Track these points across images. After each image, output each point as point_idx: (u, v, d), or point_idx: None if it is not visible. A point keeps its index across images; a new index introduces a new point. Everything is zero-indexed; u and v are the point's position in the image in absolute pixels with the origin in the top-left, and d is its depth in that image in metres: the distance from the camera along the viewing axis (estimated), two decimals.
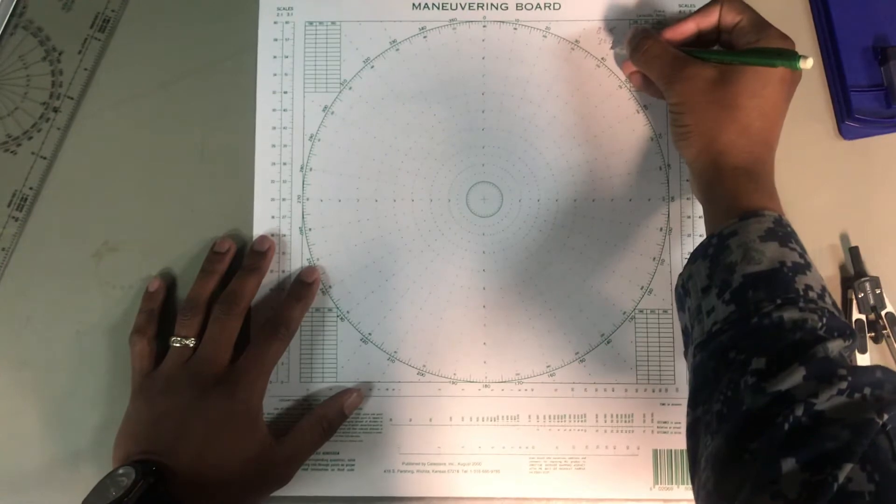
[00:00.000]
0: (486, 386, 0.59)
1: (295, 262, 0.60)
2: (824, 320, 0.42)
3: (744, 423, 0.40)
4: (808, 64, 0.51)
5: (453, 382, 0.59)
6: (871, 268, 0.59)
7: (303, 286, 0.59)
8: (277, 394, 0.59)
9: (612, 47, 0.62)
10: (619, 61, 0.61)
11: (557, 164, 0.61)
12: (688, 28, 0.57)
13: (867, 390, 0.39)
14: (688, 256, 0.59)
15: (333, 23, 0.62)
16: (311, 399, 0.59)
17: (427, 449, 0.59)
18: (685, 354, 0.49)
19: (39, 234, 0.61)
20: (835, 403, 0.39)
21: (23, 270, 0.61)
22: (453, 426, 0.59)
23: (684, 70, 0.53)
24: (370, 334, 0.60)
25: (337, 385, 0.59)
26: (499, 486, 0.58)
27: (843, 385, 0.39)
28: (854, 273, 0.59)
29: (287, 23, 0.62)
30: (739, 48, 0.54)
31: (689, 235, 0.60)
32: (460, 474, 0.58)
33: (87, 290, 0.60)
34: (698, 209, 0.60)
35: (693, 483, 0.44)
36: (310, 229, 0.60)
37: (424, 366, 0.59)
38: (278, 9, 0.62)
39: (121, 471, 0.49)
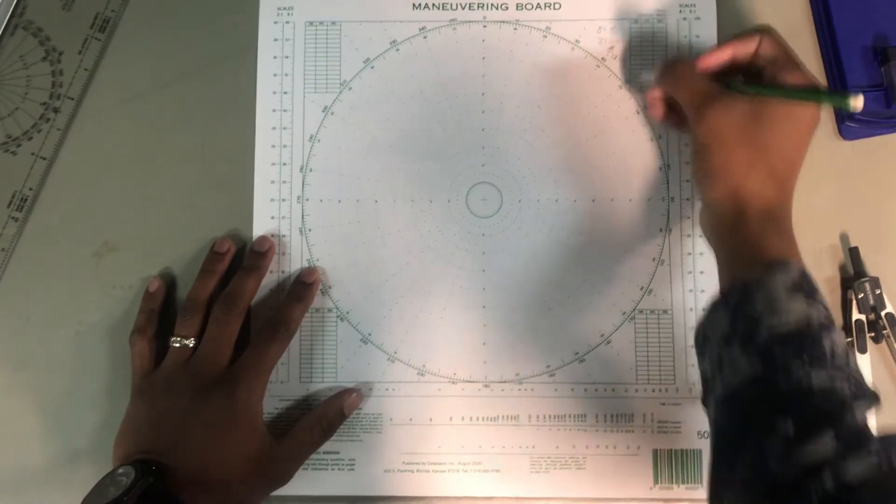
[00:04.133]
0: (486, 386, 0.59)
1: (295, 262, 0.60)
2: (851, 385, 0.41)
3: (771, 492, 0.39)
4: (859, 103, 0.49)
5: (453, 382, 0.59)
6: (871, 268, 0.59)
7: (303, 286, 0.59)
8: (277, 394, 0.59)
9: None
10: (639, 88, 0.61)
11: (557, 164, 0.61)
12: (723, 55, 0.54)
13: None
14: (688, 255, 0.59)
15: (333, 23, 0.62)
16: (311, 399, 0.59)
17: (427, 449, 0.59)
18: (703, 402, 0.48)
19: (39, 234, 0.61)
20: (865, 474, 0.37)
21: (23, 270, 0.61)
22: (453, 426, 0.59)
23: (717, 100, 0.51)
24: (370, 334, 0.60)
25: (337, 385, 0.59)
26: (499, 486, 0.58)
27: (874, 458, 0.38)
28: (854, 273, 0.59)
29: (287, 23, 0.62)
30: (769, 82, 0.52)
31: (688, 236, 0.60)
32: (460, 474, 0.58)
33: (87, 290, 0.60)
34: (697, 210, 0.60)
35: None
36: (310, 230, 0.60)
37: (424, 366, 0.59)
38: (278, 9, 0.62)
39: (120, 470, 0.49)
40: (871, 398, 0.42)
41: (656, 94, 0.58)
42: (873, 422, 0.46)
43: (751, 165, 0.49)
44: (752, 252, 0.47)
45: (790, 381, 0.41)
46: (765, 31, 0.54)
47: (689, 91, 0.53)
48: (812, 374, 0.41)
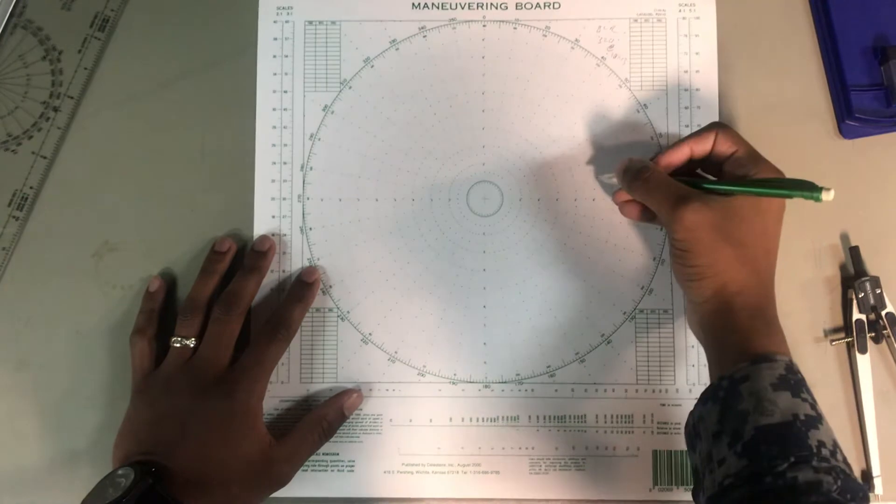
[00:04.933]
0: (486, 386, 0.59)
1: (295, 261, 0.60)
2: (839, 482, 0.41)
3: None
4: (829, 196, 0.47)
5: (453, 383, 0.59)
6: (872, 268, 0.59)
7: (303, 286, 0.59)
8: (277, 394, 0.59)
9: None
10: (608, 189, 0.60)
11: (557, 163, 0.60)
12: (682, 154, 0.54)
13: None
14: None
15: (333, 22, 0.62)
16: (311, 399, 0.59)
17: (427, 450, 0.59)
18: (694, 496, 0.48)
19: (39, 234, 0.61)
20: None
21: (23, 270, 0.61)
22: (453, 427, 0.59)
23: (689, 204, 0.50)
24: (370, 334, 0.60)
25: (337, 385, 0.59)
26: (499, 487, 0.58)
27: None
28: (854, 273, 0.59)
29: (287, 22, 0.62)
30: (732, 179, 0.53)
31: None
32: (460, 475, 0.58)
33: (87, 290, 0.60)
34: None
35: None
36: (310, 229, 0.60)
37: (424, 366, 0.59)
38: (278, 8, 0.62)
39: (120, 471, 0.49)
40: (861, 497, 0.42)
41: (625, 197, 0.57)
42: None
43: (734, 263, 0.49)
44: (740, 347, 0.47)
45: (776, 480, 0.41)
46: (720, 127, 0.54)
47: (658, 198, 0.52)
48: (799, 473, 0.41)
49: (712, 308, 0.50)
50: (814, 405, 0.45)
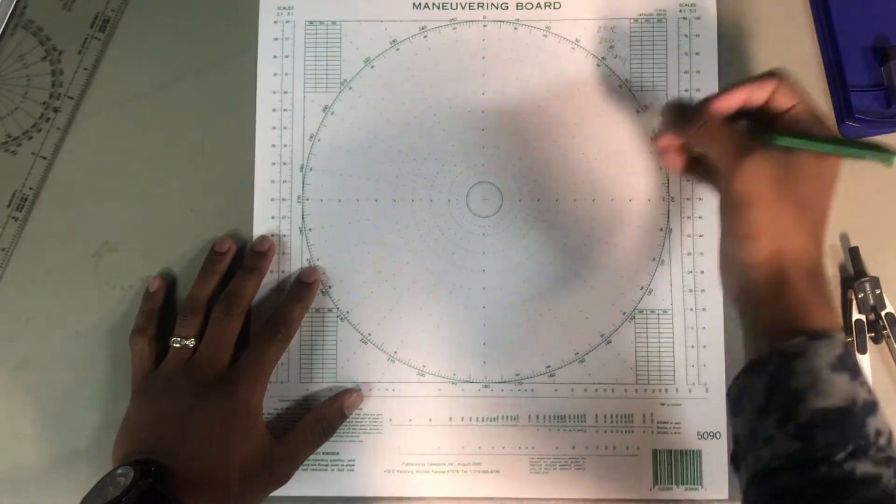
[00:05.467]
0: (485, 386, 0.59)
1: (295, 262, 0.60)
2: None
3: None
4: None
5: (453, 383, 0.59)
6: (872, 268, 0.59)
7: (303, 286, 0.59)
8: (277, 394, 0.59)
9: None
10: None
11: (557, 164, 0.60)
12: (736, 100, 0.50)
13: None
14: (688, 255, 0.59)
15: (334, 22, 0.62)
16: (311, 399, 0.59)
17: (427, 449, 0.59)
18: (733, 461, 0.45)
19: (39, 234, 0.61)
20: None
21: (23, 270, 0.61)
22: (453, 426, 0.59)
23: (752, 155, 0.46)
24: (370, 334, 0.60)
25: (337, 385, 0.59)
26: (499, 487, 0.58)
27: None
28: (854, 273, 0.59)
29: (287, 22, 0.62)
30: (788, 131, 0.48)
31: (689, 235, 0.60)
32: (460, 474, 0.58)
33: (87, 290, 0.60)
34: (699, 209, 0.60)
35: None
36: (310, 229, 0.60)
37: (424, 366, 0.59)
38: (278, 8, 0.62)
39: (119, 470, 0.49)
40: None
41: (669, 142, 0.54)
42: None
43: (795, 224, 0.46)
44: (794, 319, 0.44)
45: (831, 469, 0.39)
46: (781, 75, 0.50)
47: (720, 147, 0.49)
48: (856, 463, 0.38)
49: (766, 274, 0.46)
50: (870, 389, 0.42)
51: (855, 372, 0.41)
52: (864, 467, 0.38)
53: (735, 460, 0.45)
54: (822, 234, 0.47)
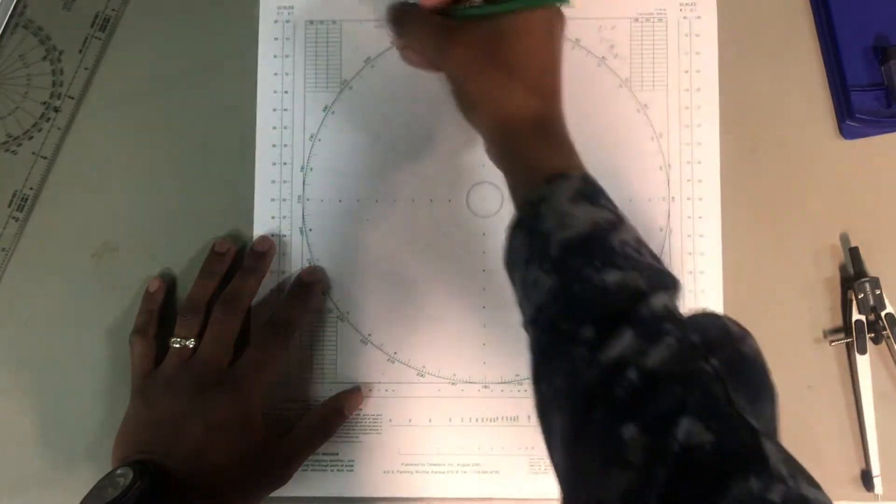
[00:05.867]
0: (485, 387, 0.59)
1: (295, 262, 0.60)
2: (644, 275, 0.41)
3: (583, 397, 0.39)
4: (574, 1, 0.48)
5: (453, 383, 0.59)
6: (872, 268, 0.59)
7: (303, 287, 0.59)
8: (277, 394, 0.59)
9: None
10: (390, 39, 0.59)
11: None
12: None
13: (695, 338, 0.39)
14: (688, 255, 0.59)
15: (334, 22, 0.62)
16: (311, 399, 0.59)
17: (426, 450, 0.59)
18: (525, 329, 0.46)
19: (39, 234, 0.61)
20: (665, 359, 0.38)
21: (23, 270, 0.61)
22: (453, 427, 0.59)
23: (453, 35, 0.49)
24: (370, 335, 0.60)
25: (337, 385, 0.59)
26: (498, 487, 0.58)
27: (671, 339, 0.38)
28: (854, 273, 0.59)
29: (287, 22, 0.62)
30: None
31: (689, 235, 0.60)
32: (460, 475, 0.58)
33: (87, 290, 0.60)
34: (699, 209, 0.60)
35: (552, 464, 0.42)
36: (310, 230, 0.60)
37: (424, 366, 0.59)
38: (279, 8, 0.62)
39: (119, 471, 0.49)
40: (669, 284, 0.42)
41: (398, 42, 0.56)
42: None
43: (504, 86, 0.48)
44: (532, 170, 0.46)
45: (585, 287, 0.41)
46: None
47: (424, 36, 0.52)
48: (605, 275, 0.41)
49: (499, 138, 0.49)
50: (613, 210, 0.44)
51: (594, 199, 0.44)
52: (612, 276, 0.40)
53: (525, 325, 0.46)
54: (543, 85, 0.49)
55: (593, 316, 0.40)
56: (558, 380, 0.41)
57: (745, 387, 0.39)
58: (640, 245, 0.43)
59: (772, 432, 0.40)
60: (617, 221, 0.43)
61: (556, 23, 0.50)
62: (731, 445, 0.35)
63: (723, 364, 0.38)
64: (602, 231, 0.42)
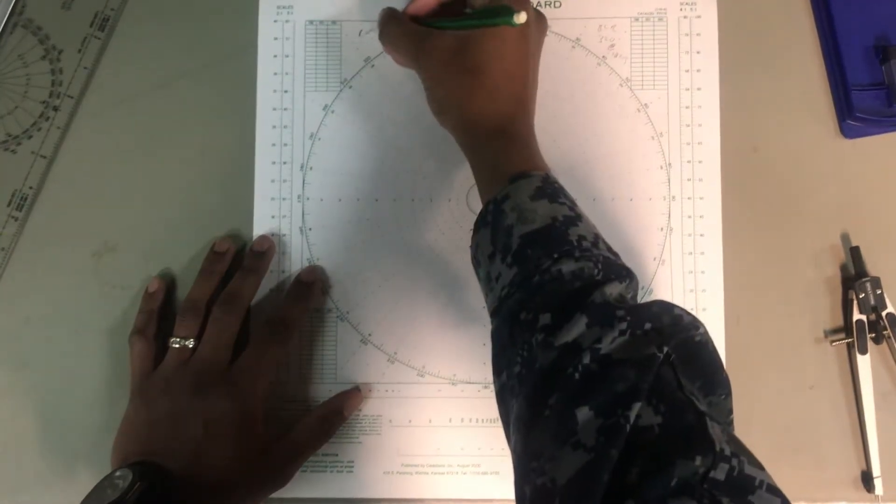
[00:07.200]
0: (485, 387, 0.59)
1: (295, 262, 0.60)
2: (599, 266, 0.44)
3: (540, 381, 0.41)
4: (521, 18, 0.49)
5: (453, 384, 0.59)
6: (872, 268, 0.59)
7: (303, 286, 0.59)
8: (277, 394, 0.59)
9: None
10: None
11: (557, 163, 0.60)
12: (428, 1, 0.57)
13: (647, 325, 0.40)
14: (689, 255, 0.59)
15: (334, 22, 0.62)
16: (311, 399, 0.59)
17: (426, 450, 0.59)
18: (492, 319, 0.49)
19: (39, 234, 0.61)
20: (618, 344, 0.40)
21: (23, 270, 0.61)
22: (453, 427, 0.59)
23: (425, 44, 0.53)
24: (370, 335, 0.60)
25: (336, 386, 0.59)
26: (498, 488, 0.58)
27: (624, 325, 0.40)
28: (855, 273, 0.59)
29: (287, 21, 0.62)
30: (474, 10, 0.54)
31: (689, 235, 0.60)
32: (459, 476, 0.58)
33: (87, 290, 0.60)
34: (699, 209, 0.60)
35: (510, 447, 0.44)
36: (310, 229, 0.60)
37: (424, 367, 0.59)
38: (278, 7, 0.62)
39: (118, 473, 0.49)
40: (623, 275, 0.44)
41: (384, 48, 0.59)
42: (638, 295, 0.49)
43: (473, 90, 0.51)
44: (496, 170, 0.49)
45: (543, 277, 0.43)
46: None
47: (401, 45, 0.56)
48: (562, 266, 0.43)
49: (465, 140, 0.52)
50: (572, 207, 0.47)
51: (553, 196, 0.47)
52: (568, 266, 0.43)
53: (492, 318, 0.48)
54: (510, 92, 0.52)
55: (550, 304, 0.43)
56: (517, 367, 0.43)
57: (697, 373, 0.41)
58: (598, 239, 0.46)
59: (724, 416, 0.43)
60: (575, 217, 0.46)
61: (529, 38, 0.52)
62: (678, 427, 0.37)
63: (674, 351, 0.40)
64: (560, 225, 0.45)
